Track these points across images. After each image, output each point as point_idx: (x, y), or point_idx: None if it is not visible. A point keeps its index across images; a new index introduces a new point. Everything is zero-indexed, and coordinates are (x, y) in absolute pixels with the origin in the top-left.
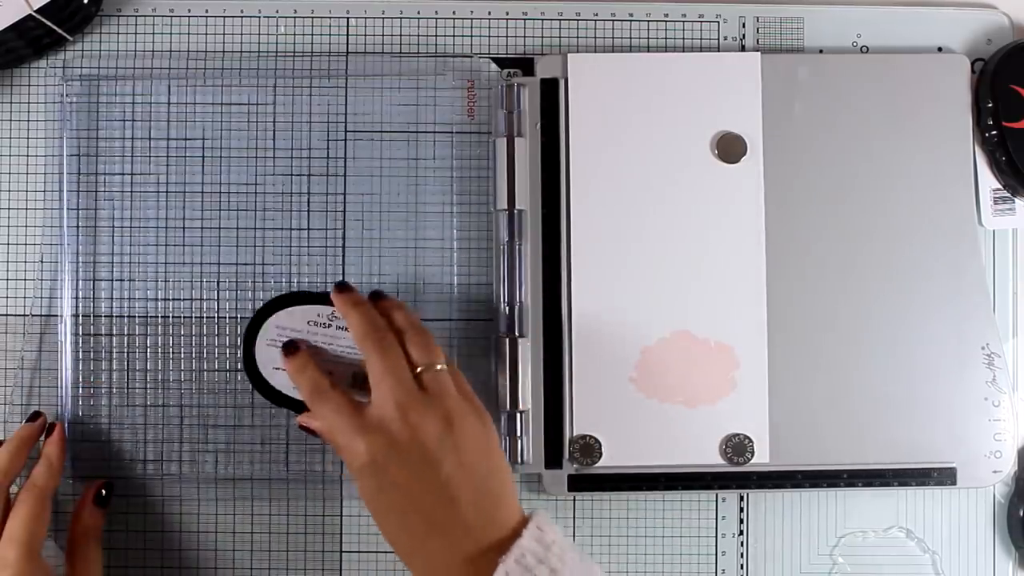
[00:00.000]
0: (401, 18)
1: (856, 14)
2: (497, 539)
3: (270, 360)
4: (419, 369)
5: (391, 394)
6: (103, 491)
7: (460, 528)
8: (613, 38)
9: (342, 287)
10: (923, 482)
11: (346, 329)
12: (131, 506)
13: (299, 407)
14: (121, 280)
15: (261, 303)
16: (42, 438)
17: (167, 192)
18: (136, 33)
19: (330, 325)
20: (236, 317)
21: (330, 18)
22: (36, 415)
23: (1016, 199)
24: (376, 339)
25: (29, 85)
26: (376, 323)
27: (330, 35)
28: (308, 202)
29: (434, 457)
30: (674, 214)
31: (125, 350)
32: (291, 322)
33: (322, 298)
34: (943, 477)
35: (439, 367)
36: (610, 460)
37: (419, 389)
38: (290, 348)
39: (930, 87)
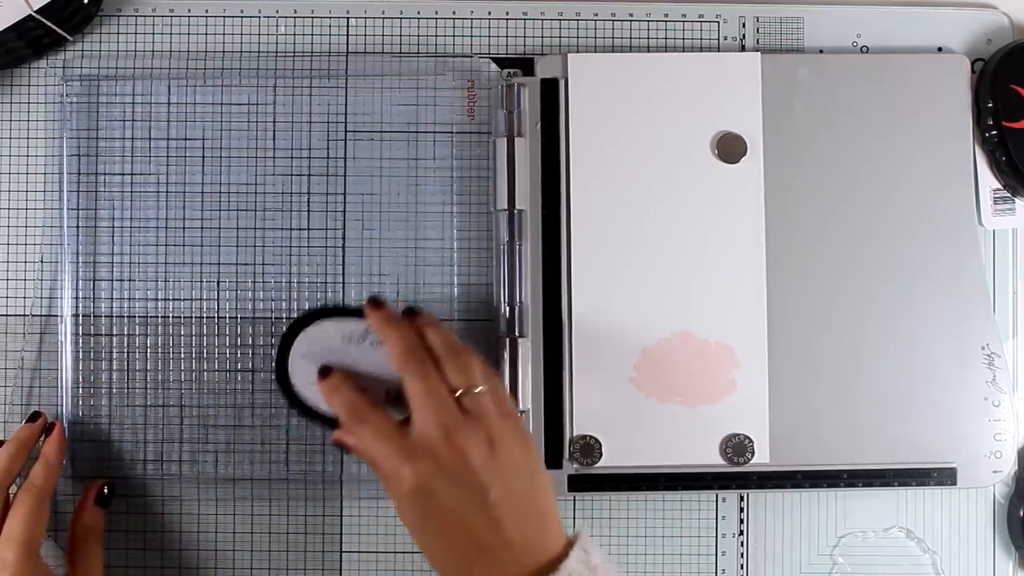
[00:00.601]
0: (401, 18)
1: (856, 14)
2: (543, 561)
3: (304, 375)
4: (459, 392)
5: (435, 418)
6: (105, 491)
7: (507, 551)
8: (613, 38)
9: (376, 302)
10: (923, 482)
11: (380, 345)
12: (131, 506)
13: (333, 423)
14: (121, 280)
15: (261, 303)
16: (42, 438)
17: (167, 192)
18: (136, 33)
19: (364, 341)
20: (236, 317)
21: (330, 18)
22: (36, 415)
23: (1016, 199)
24: (416, 362)
25: (29, 85)
26: (415, 345)
27: (330, 35)
28: (308, 202)
29: (482, 481)
30: (674, 214)
31: (125, 350)
32: (324, 336)
33: (355, 312)
34: (943, 477)
35: (478, 390)
36: (610, 460)
37: (460, 412)
38: (324, 371)
39: (930, 87)
